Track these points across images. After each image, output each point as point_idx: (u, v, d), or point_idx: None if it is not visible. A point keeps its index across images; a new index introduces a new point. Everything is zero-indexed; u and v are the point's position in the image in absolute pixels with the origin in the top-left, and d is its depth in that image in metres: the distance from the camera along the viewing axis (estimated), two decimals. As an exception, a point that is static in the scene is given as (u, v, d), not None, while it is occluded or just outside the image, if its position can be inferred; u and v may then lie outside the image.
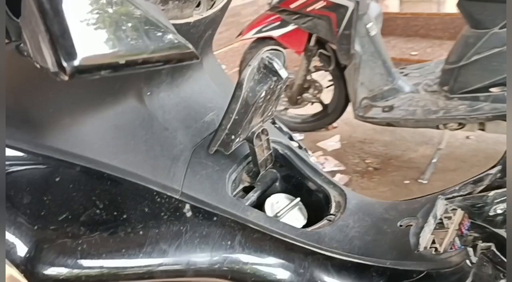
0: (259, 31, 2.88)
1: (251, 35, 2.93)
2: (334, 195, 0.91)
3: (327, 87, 2.96)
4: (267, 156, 0.89)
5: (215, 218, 0.80)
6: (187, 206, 0.80)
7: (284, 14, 2.71)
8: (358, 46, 2.53)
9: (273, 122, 1.09)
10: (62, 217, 0.75)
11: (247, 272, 0.78)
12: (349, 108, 2.74)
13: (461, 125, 2.37)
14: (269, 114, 0.89)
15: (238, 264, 0.78)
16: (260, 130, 0.86)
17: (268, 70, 0.78)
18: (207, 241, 0.78)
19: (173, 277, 0.77)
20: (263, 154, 0.88)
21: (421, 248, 0.70)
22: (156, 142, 0.84)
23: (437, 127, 2.42)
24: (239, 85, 0.75)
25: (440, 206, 0.79)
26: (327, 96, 2.97)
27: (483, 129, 2.36)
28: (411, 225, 0.77)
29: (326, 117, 3.06)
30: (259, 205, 0.92)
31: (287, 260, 0.78)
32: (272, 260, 0.78)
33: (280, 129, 1.08)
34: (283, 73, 0.78)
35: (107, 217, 0.76)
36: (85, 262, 0.73)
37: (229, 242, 0.79)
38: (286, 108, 3.13)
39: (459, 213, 0.80)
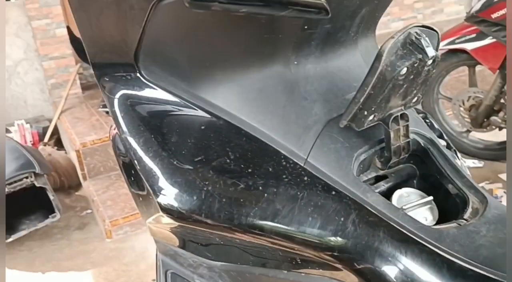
0: (451, 43, 2.71)
1: (442, 46, 2.77)
2: (473, 201, 0.81)
3: (523, 113, 2.61)
4: (404, 144, 0.85)
5: (333, 192, 0.79)
6: (309, 175, 0.81)
7: (482, 26, 2.49)
8: None
9: (425, 117, 1.02)
10: (198, 158, 0.83)
11: (354, 252, 0.76)
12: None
13: None
14: (414, 100, 0.84)
15: (347, 243, 0.76)
16: (399, 114, 0.82)
17: (413, 47, 0.74)
18: (320, 212, 0.78)
19: (283, 237, 0.79)
20: (398, 140, 0.84)
21: None
22: (293, 109, 0.87)
23: None
24: (378, 57, 0.73)
25: None
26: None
27: None
28: None
29: (516, 148, 2.70)
30: (388, 196, 0.88)
31: (399, 251, 0.73)
32: (382, 248, 0.74)
33: (431, 125, 1.01)
34: (430, 51, 0.73)
35: (235, 167, 0.82)
36: (206, 201, 0.80)
37: (342, 219, 0.77)
38: (468, 131, 2.87)
39: None
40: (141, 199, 0.95)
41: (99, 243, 2.71)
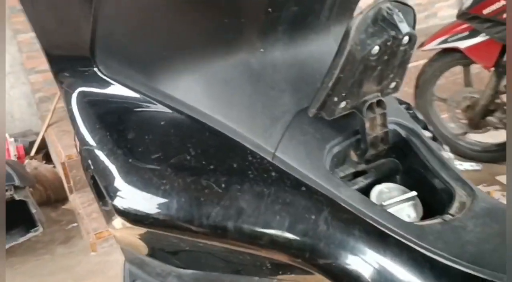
0: (444, 42, 2.65)
1: (434, 45, 2.71)
2: (460, 194, 0.74)
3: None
4: (381, 135, 0.78)
5: (303, 188, 0.72)
6: (277, 170, 0.74)
7: (475, 22, 2.43)
8: None
9: (408, 108, 0.95)
10: (156, 156, 0.76)
11: (327, 254, 0.68)
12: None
13: None
14: (391, 86, 0.78)
15: (318, 243, 0.69)
16: (374, 101, 0.75)
17: (385, 23, 0.67)
18: (289, 210, 0.71)
19: (248, 238, 0.72)
20: (375, 130, 0.77)
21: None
22: (259, 99, 0.81)
23: None
24: (345, 35, 0.66)
25: None
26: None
27: None
28: None
29: (514, 149, 2.63)
30: (368, 193, 0.81)
31: (377, 251, 0.66)
32: (358, 248, 0.67)
33: (414, 116, 0.94)
34: (404, 27, 0.66)
35: (195, 164, 0.75)
36: (164, 202, 0.73)
37: (313, 217, 0.70)
38: (464, 132, 2.80)
39: None
40: (101, 203, 0.88)
41: (83, 257, 2.62)
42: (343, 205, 0.70)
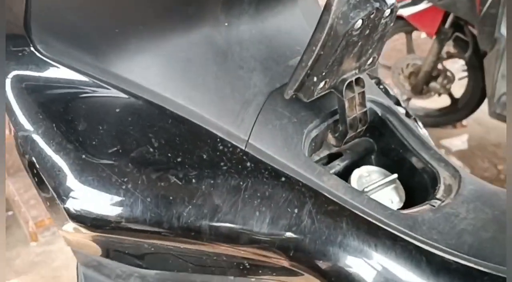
0: (387, 9, 2.64)
1: (378, 13, 2.70)
2: (444, 176, 0.71)
3: (460, 79, 2.62)
4: (360, 115, 0.72)
5: (283, 179, 0.66)
6: (252, 159, 0.67)
7: (418, -11, 2.43)
8: (505, 29, 2.17)
9: (378, 83, 0.90)
10: (113, 149, 0.67)
11: (313, 251, 0.63)
12: (484, 105, 2.38)
13: None
14: (369, 62, 0.72)
15: (304, 240, 0.63)
16: (353, 80, 0.69)
17: (369, -6, 0.61)
18: (269, 204, 0.64)
19: (225, 239, 0.65)
20: (354, 111, 0.71)
21: None
22: (227, 80, 0.72)
23: None
24: (326, 7, 0.59)
25: None
26: (458, 88, 2.63)
27: None
28: None
29: (455, 113, 2.72)
30: (345, 177, 0.76)
31: (368, 245, 0.61)
32: (348, 242, 0.62)
33: (386, 91, 0.90)
34: (390, -1, 0.60)
35: (160, 158, 0.67)
36: (127, 203, 0.64)
37: (296, 210, 0.64)
38: (408, 98, 2.85)
39: None
40: (48, 203, 0.77)
41: (23, 248, 2.45)
42: (328, 195, 0.65)
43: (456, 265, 0.56)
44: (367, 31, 0.64)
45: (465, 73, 2.55)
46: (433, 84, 2.64)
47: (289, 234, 0.63)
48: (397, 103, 0.88)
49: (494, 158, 2.47)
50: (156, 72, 0.72)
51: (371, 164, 0.82)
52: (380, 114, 0.79)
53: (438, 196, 0.68)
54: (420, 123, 0.87)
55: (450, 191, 0.68)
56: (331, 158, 0.83)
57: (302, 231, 0.63)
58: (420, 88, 2.69)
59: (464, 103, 2.61)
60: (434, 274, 0.57)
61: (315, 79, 0.64)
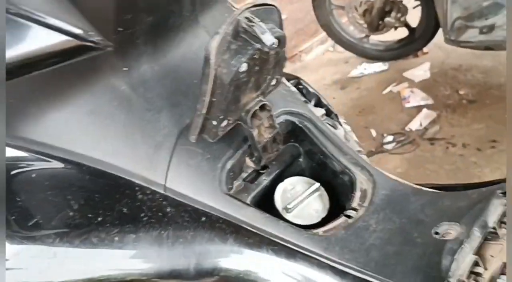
0: None
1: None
2: (361, 181, 0.73)
3: (415, 7, 2.57)
4: (272, 137, 0.73)
5: (203, 218, 0.68)
6: (172, 203, 0.69)
7: None
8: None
9: (298, 83, 0.90)
10: (32, 221, 0.68)
11: (243, 281, 0.67)
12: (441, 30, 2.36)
13: None
14: (272, 84, 0.72)
15: (231, 273, 0.66)
16: (257, 107, 0.70)
17: (248, 36, 0.60)
18: (193, 247, 0.67)
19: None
20: (265, 135, 0.72)
21: (452, 279, 0.52)
22: (136, 126, 0.72)
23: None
24: (206, 61, 0.58)
25: (496, 207, 0.59)
26: (413, 18, 2.59)
27: None
28: (450, 234, 0.58)
29: (414, 43, 2.70)
30: (274, 188, 0.78)
31: (288, 270, 0.65)
32: (271, 269, 0.66)
33: (306, 92, 0.90)
34: (268, 39, 0.59)
35: (80, 221, 0.68)
36: (54, 272, 0.66)
37: (219, 248, 0.67)
38: (367, 36, 2.81)
39: None
40: None
41: None
42: (248, 228, 0.67)
43: None
44: (257, 68, 0.64)
45: (418, 3, 2.50)
46: (387, 19, 2.60)
47: (216, 272, 0.67)
48: (318, 103, 0.89)
49: (455, 82, 2.48)
50: (64, 130, 0.72)
51: (300, 167, 0.84)
52: (297, 123, 0.80)
53: (353, 204, 0.71)
54: (341, 120, 0.88)
55: (365, 197, 0.71)
56: (261, 168, 0.84)
57: (229, 264, 0.67)
58: (376, 24, 2.65)
59: (421, 32, 2.58)
60: None
61: (214, 123, 0.65)
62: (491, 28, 2.15)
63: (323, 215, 0.75)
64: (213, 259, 0.67)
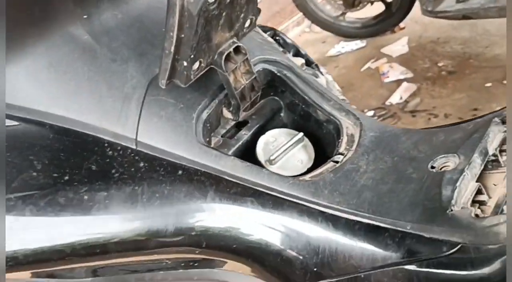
0: None
1: None
2: (346, 126, 0.68)
3: (390, -19, 2.54)
4: (250, 83, 0.68)
5: (180, 172, 0.63)
6: (145, 158, 0.63)
7: None
8: None
9: (275, 34, 0.85)
10: None
11: (226, 237, 0.61)
12: (418, 3, 2.33)
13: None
14: (246, 25, 0.66)
15: (213, 229, 0.61)
16: (231, 49, 0.64)
17: (215, -40, 0.54)
18: (171, 203, 0.61)
19: (134, 250, 0.62)
20: (242, 81, 0.67)
21: (456, 207, 0.47)
22: (101, 78, 0.66)
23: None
24: (169, -11, 0.52)
25: (495, 134, 0.54)
26: (389, -8, 2.56)
27: None
28: (448, 167, 0.54)
29: (391, 18, 2.66)
30: (255, 144, 0.73)
31: (275, 219, 0.60)
32: (256, 220, 0.60)
33: (284, 42, 0.85)
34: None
35: (45, 181, 0.62)
36: (19, 240, 0.60)
37: (199, 202, 0.61)
38: (343, 13, 2.77)
39: None
40: None
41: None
42: (229, 178, 0.62)
43: (359, 225, 0.55)
44: (228, 0, 0.58)
45: (393, -24, 2.48)
46: (363, -7, 2.57)
47: (198, 228, 0.61)
48: (296, 53, 0.83)
49: (434, 55, 2.47)
50: (22, 86, 0.65)
51: (281, 122, 0.79)
52: (276, 72, 0.75)
53: (341, 149, 0.66)
54: (322, 70, 0.83)
55: (353, 141, 0.66)
56: (239, 125, 0.79)
57: (211, 221, 0.61)
58: (352, 1, 2.61)
59: (398, 6, 2.55)
60: (341, 236, 0.56)
61: (185, 63, 0.59)
62: (467, -4, 2.13)
63: (309, 165, 0.71)
64: (193, 216, 0.62)
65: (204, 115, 0.67)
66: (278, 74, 0.74)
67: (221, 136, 0.73)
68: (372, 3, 2.61)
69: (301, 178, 0.62)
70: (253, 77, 0.68)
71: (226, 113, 0.71)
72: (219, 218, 0.62)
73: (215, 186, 0.62)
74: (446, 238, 0.47)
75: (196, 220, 0.61)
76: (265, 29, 0.85)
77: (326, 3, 2.77)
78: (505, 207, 0.49)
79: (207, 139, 0.68)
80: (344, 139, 0.67)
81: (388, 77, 2.43)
